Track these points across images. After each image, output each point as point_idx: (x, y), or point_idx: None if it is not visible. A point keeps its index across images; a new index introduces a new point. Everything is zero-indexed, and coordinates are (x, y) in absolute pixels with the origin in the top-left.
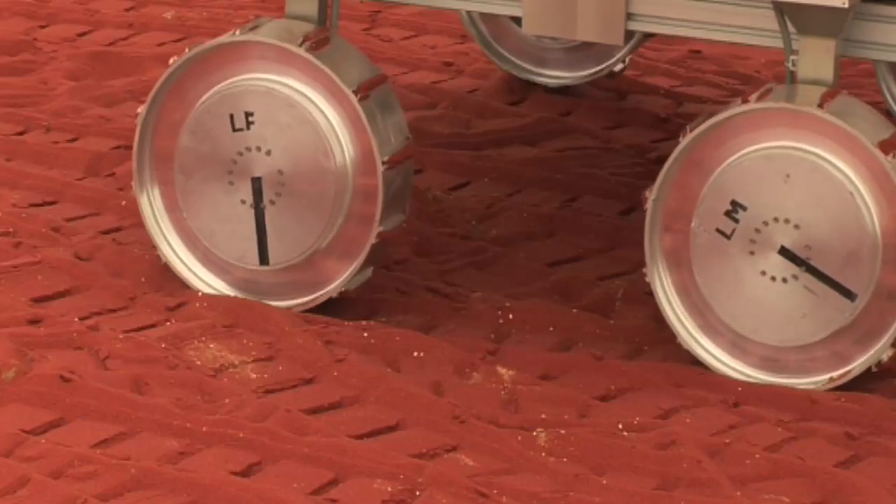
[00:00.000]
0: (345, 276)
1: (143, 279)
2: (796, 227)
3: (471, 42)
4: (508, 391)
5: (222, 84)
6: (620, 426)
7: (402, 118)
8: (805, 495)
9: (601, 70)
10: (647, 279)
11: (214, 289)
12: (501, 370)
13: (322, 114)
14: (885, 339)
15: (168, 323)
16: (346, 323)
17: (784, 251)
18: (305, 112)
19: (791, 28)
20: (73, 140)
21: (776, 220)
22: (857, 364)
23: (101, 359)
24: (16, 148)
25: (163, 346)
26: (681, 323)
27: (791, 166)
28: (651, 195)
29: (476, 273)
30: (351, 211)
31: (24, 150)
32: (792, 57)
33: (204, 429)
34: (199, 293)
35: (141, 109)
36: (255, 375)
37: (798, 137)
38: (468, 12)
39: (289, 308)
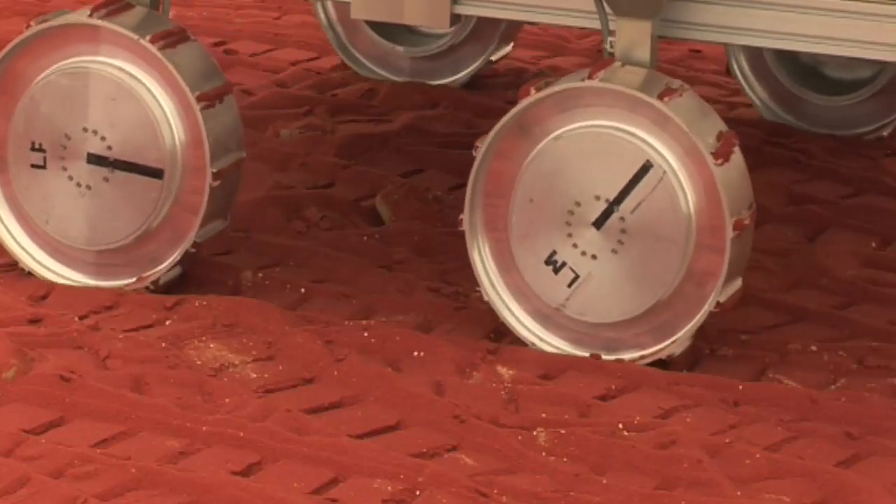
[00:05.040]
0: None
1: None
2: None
3: None
4: (508, 391)
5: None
6: (620, 426)
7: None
8: (805, 495)
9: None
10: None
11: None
12: (501, 370)
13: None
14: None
15: (167, 322)
16: (346, 323)
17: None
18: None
19: (608, 10)
20: None
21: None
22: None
23: (101, 358)
24: None
25: (163, 345)
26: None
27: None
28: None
29: None
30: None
31: None
32: (609, 38)
33: (204, 428)
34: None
35: None
36: (255, 375)
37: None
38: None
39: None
